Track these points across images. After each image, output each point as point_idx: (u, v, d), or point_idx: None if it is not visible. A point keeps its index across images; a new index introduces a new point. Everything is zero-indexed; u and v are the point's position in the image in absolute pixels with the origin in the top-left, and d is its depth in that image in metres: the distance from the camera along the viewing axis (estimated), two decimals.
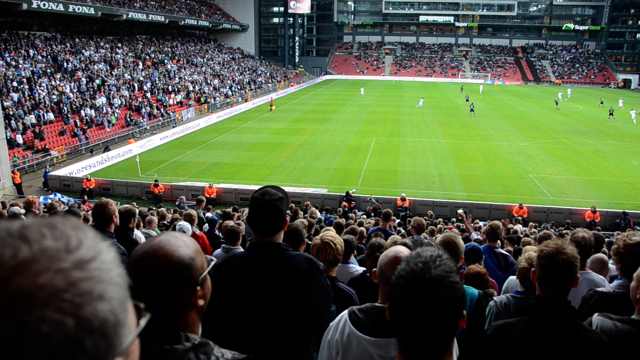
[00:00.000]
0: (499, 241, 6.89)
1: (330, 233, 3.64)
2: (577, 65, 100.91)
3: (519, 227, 16.85)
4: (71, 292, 0.62)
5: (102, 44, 51.69)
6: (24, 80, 35.65)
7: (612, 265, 4.83)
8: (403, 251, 2.30)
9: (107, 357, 0.65)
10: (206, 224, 10.69)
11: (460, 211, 10.91)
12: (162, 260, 1.47)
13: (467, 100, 51.61)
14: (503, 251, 6.50)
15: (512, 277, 4.60)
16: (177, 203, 19.19)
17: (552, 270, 2.31)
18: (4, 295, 0.58)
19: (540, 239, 6.20)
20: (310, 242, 3.81)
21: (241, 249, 6.36)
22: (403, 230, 12.13)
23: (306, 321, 2.67)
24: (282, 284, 2.59)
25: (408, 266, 1.33)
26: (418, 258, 1.35)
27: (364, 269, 4.87)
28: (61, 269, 0.62)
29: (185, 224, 7.80)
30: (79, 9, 44.88)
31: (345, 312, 2.34)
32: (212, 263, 1.62)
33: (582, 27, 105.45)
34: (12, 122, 30.05)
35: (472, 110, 49.81)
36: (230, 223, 8.06)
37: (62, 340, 0.59)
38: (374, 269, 2.39)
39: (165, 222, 12.62)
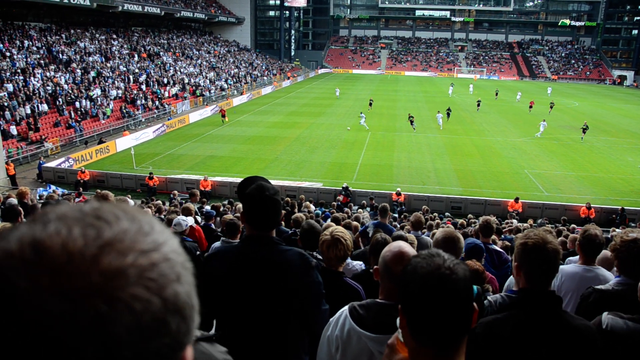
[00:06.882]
0: (494, 237, 6.89)
1: (339, 228, 3.62)
2: (573, 61, 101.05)
3: (514, 222, 16.87)
4: (155, 272, 0.62)
5: (97, 35, 51.26)
6: (19, 71, 35.33)
7: None
8: (405, 246, 2.29)
9: (185, 341, 0.66)
10: (200, 217, 10.65)
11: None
12: None
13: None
14: (497, 248, 6.46)
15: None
16: (170, 197, 19.03)
17: (540, 262, 2.29)
18: (97, 273, 0.58)
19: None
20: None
21: None
22: (399, 226, 12.12)
23: (295, 319, 2.61)
24: (270, 277, 2.56)
25: (422, 258, 1.40)
26: (429, 253, 1.41)
27: (361, 263, 4.87)
28: (144, 249, 0.63)
29: (181, 219, 7.71)
30: (74, 0, 44.53)
31: (346, 307, 2.31)
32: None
33: (578, 23, 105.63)
34: (7, 113, 29.87)
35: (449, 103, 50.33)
36: (230, 216, 8.05)
37: (151, 320, 0.60)
38: (376, 266, 2.37)
39: (161, 216, 12.56)
